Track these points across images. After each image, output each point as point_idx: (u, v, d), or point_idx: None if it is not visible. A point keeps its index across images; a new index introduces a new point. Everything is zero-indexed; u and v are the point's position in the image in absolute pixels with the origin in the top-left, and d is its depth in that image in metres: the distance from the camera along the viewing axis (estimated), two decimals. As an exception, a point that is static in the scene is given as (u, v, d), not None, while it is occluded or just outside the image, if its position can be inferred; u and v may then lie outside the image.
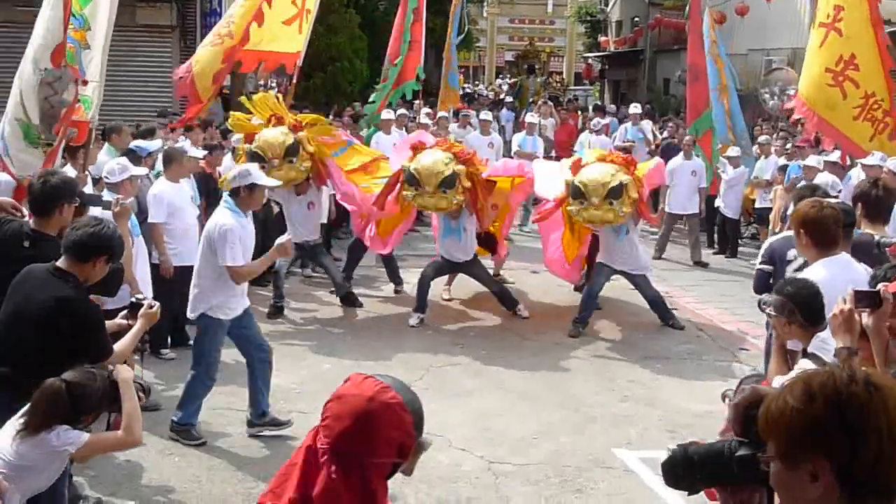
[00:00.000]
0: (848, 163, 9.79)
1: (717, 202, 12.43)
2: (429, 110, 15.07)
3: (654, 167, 9.23)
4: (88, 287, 4.03)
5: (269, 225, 8.59)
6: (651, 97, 25.69)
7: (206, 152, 8.85)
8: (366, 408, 1.89)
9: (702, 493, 2.32)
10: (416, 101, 15.41)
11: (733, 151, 12.33)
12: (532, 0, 46.87)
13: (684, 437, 5.15)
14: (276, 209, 8.92)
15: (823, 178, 8.97)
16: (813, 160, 10.07)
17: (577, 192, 8.11)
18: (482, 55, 49.48)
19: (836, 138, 9.18)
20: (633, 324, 8.89)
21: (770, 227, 11.63)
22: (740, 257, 12.51)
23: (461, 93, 25.75)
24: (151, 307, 4.24)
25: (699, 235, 12.41)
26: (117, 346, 4.07)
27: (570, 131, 17.33)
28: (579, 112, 20.21)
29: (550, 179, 8.76)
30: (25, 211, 4.83)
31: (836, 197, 6.90)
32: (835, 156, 9.71)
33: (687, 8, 15.31)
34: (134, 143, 8.13)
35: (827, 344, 3.26)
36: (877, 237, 5.28)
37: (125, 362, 4.07)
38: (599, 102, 25.88)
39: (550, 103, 19.56)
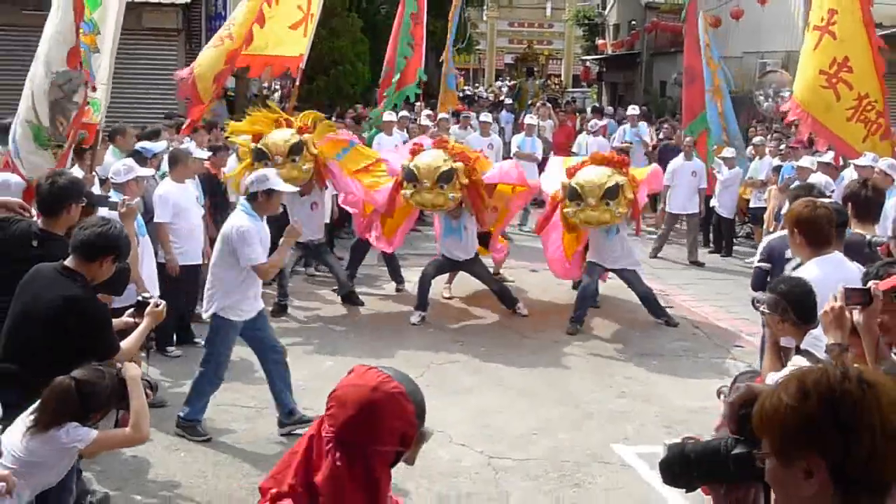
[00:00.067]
0: (841, 163, 9.78)
1: (713, 202, 12.44)
2: (429, 112, 15.09)
3: (651, 173, 9.20)
4: (96, 286, 4.04)
5: (282, 226, 8.62)
6: (648, 99, 25.67)
7: (210, 153, 8.86)
8: (370, 397, 1.91)
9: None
10: (418, 103, 15.42)
11: (728, 152, 12.35)
12: (531, 4, 46.81)
13: (680, 432, 5.14)
14: (279, 209, 8.92)
15: (816, 179, 8.96)
16: (806, 161, 10.08)
17: (573, 194, 8.11)
18: (482, 58, 49.46)
19: (829, 139, 9.17)
20: (629, 321, 8.89)
21: (764, 226, 11.63)
22: (735, 256, 12.53)
23: (461, 95, 25.81)
24: (157, 306, 4.24)
25: (697, 235, 12.43)
26: (124, 344, 4.07)
27: (569, 133, 17.33)
28: (577, 114, 20.18)
29: (554, 177, 8.80)
30: (34, 211, 4.83)
31: (829, 197, 6.90)
32: (828, 157, 9.70)
33: (683, 12, 15.29)
34: (139, 145, 8.13)
35: (820, 341, 3.25)
36: (868, 236, 5.28)
37: (132, 360, 4.07)
38: (597, 104, 25.84)
39: (549, 105, 19.56)
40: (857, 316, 2.93)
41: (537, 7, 47.02)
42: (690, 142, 12.25)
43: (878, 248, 5.39)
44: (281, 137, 8.43)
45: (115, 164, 6.88)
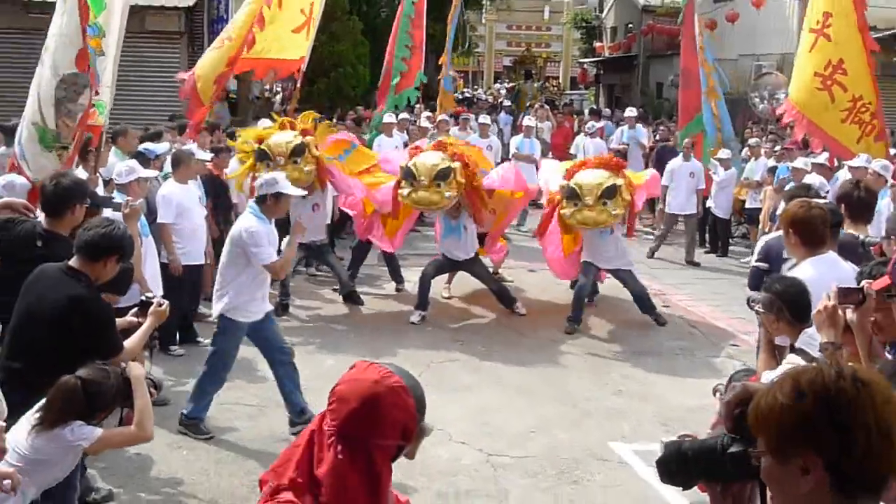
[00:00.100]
0: (836, 164, 9.79)
1: (709, 203, 12.44)
2: (429, 114, 15.10)
3: (650, 179, 9.17)
4: (100, 286, 4.04)
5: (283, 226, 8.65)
6: (644, 101, 25.68)
7: (212, 155, 8.87)
8: (371, 391, 1.93)
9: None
10: (417, 105, 15.43)
11: (724, 154, 12.36)
12: (529, 7, 46.77)
13: (677, 430, 5.14)
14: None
15: (811, 180, 8.96)
16: (801, 162, 10.08)
17: (571, 194, 8.12)
18: (481, 60, 49.43)
19: (824, 140, 9.19)
20: (626, 321, 8.88)
21: (760, 226, 11.64)
22: (731, 256, 12.53)
23: (460, 97, 25.79)
24: (160, 305, 4.24)
25: (695, 236, 12.43)
26: (128, 343, 4.07)
27: (566, 134, 17.35)
28: (575, 115, 20.21)
29: (550, 179, 8.81)
30: (39, 213, 4.83)
31: (824, 198, 6.90)
32: (822, 158, 9.71)
33: (681, 15, 15.30)
34: (142, 146, 8.12)
35: (814, 339, 3.25)
36: (861, 237, 5.28)
37: (135, 359, 4.07)
38: (594, 106, 25.84)
39: (547, 107, 19.57)
40: (850, 315, 2.93)
41: (535, 10, 47.01)
42: (689, 143, 12.26)
43: (872, 248, 5.40)
44: (283, 139, 8.44)
45: (117, 165, 6.88)
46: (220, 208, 8.76)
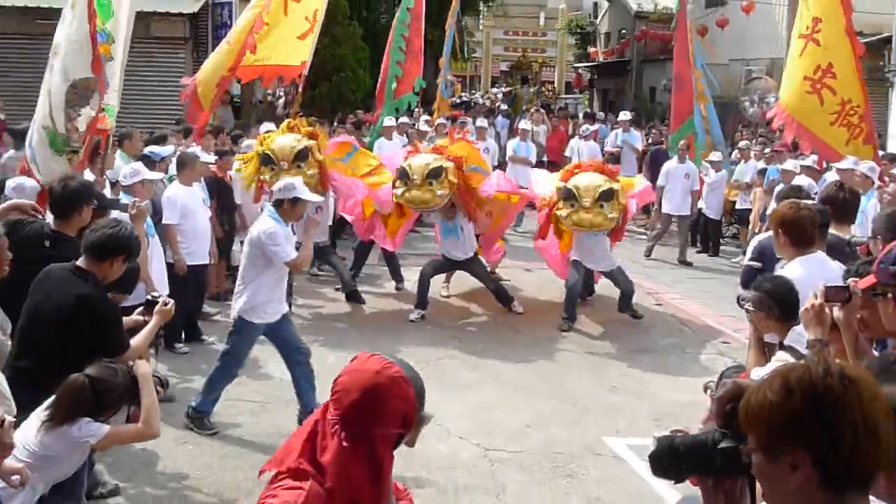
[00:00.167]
0: (824, 166, 9.80)
1: (700, 204, 12.45)
2: (428, 117, 15.08)
3: (642, 190, 9.13)
4: (106, 285, 4.03)
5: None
6: (637, 105, 25.67)
7: (216, 157, 8.87)
8: (373, 380, 1.96)
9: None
10: (416, 109, 15.43)
11: (715, 156, 12.38)
12: (525, 13, 46.75)
13: (669, 426, 5.16)
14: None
15: (799, 182, 8.97)
16: (790, 164, 10.10)
17: (569, 195, 8.10)
18: (478, 65, 49.38)
19: (813, 143, 9.18)
20: (621, 319, 8.87)
21: (750, 227, 11.65)
22: (722, 256, 12.55)
23: (458, 101, 25.76)
24: (166, 304, 4.24)
25: (688, 236, 12.44)
26: (134, 342, 4.07)
27: (561, 137, 17.34)
28: (570, 119, 20.19)
29: (544, 186, 8.82)
30: (49, 216, 4.82)
31: (813, 199, 6.90)
32: (811, 160, 9.72)
33: (673, 20, 15.31)
34: (147, 149, 8.13)
35: (803, 337, 3.25)
36: (847, 237, 5.28)
37: (141, 357, 4.07)
38: (589, 110, 25.86)
39: (542, 111, 19.60)
40: (837, 312, 2.93)
41: (531, 16, 46.99)
42: (684, 145, 12.28)
43: (858, 247, 5.40)
44: (287, 143, 8.41)
45: (123, 167, 6.88)
46: (224, 210, 8.76)
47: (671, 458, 1.84)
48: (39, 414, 3.45)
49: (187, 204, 7.33)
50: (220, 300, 8.80)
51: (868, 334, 3.05)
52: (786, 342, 3.57)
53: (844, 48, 8.83)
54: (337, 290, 9.40)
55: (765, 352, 3.68)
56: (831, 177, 8.86)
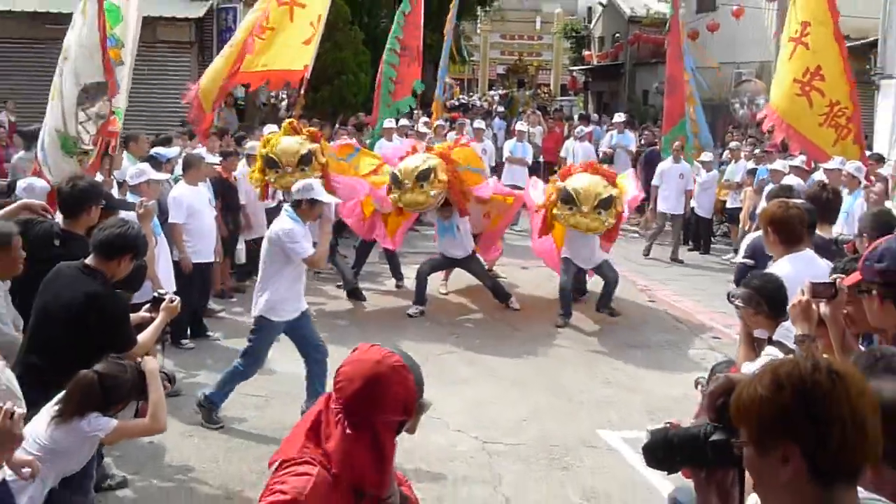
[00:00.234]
0: (813, 166, 9.81)
1: (692, 203, 12.46)
2: (426, 120, 15.09)
3: (630, 199, 9.12)
4: (114, 283, 4.03)
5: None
6: (631, 107, 25.67)
7: (221, 158, 8.86)
8: (374, 370, 1.98)
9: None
10: (416, 111, 15.44)
11: (706, 157, 12.38)
12: (521, 18, 46.72)
13: (662, 419, 5.17)
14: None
15: (788, 181, 8.98)
16: (779, 164, 10.11)
17: (568, 198, 8.06)
18: (476, 68, 49.35)
19: (801, 144, 9.19)
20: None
21: (740, 225, 11.67)
22: (713, 253, 12.55)
23: (456, 103, 25.74)
24: (172, 301, 4.24)
25: (680, 235, 12.44)
26: (141, 338, 4.07)
27: (557, 138, 17.34)
28: (565, 121, 20.19)
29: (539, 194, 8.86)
30: (59, 217, 4.82)
31: (802, 198, 6.91)
32: (799, 160, 9.74)
33: (667, 25, 15.31)
34: (154, 151, 8.12)
35: (791, 332, 3.26)
36: (827, 236, 5.29)
37: (148, 352, 4.07)
38: (584, 112, 25.85)
39: (538, 113, 19.58)
40: (823, 308, 2.94)
41: (527, 21, 46.97)
42: (679, 146, 12.28)
43: (845, 245, 5.41)
44: (291, 147, 8.39)
45: (129, 168, 6.88)
46: (229, 209, 8.75)
47: (665, 451, 1.84)
48: (49, 409, 3.45)
49: (193, 204, 7.32)
50: (224, 297, 8.81)
51: (854, 330, 3.05)
52: (774, 337, 3.57)
53: (833, 51, 8.84)
54: (338, 287, 9.40)
55: (754, 347, 3.69)
56: (819, 177, 8.89)
